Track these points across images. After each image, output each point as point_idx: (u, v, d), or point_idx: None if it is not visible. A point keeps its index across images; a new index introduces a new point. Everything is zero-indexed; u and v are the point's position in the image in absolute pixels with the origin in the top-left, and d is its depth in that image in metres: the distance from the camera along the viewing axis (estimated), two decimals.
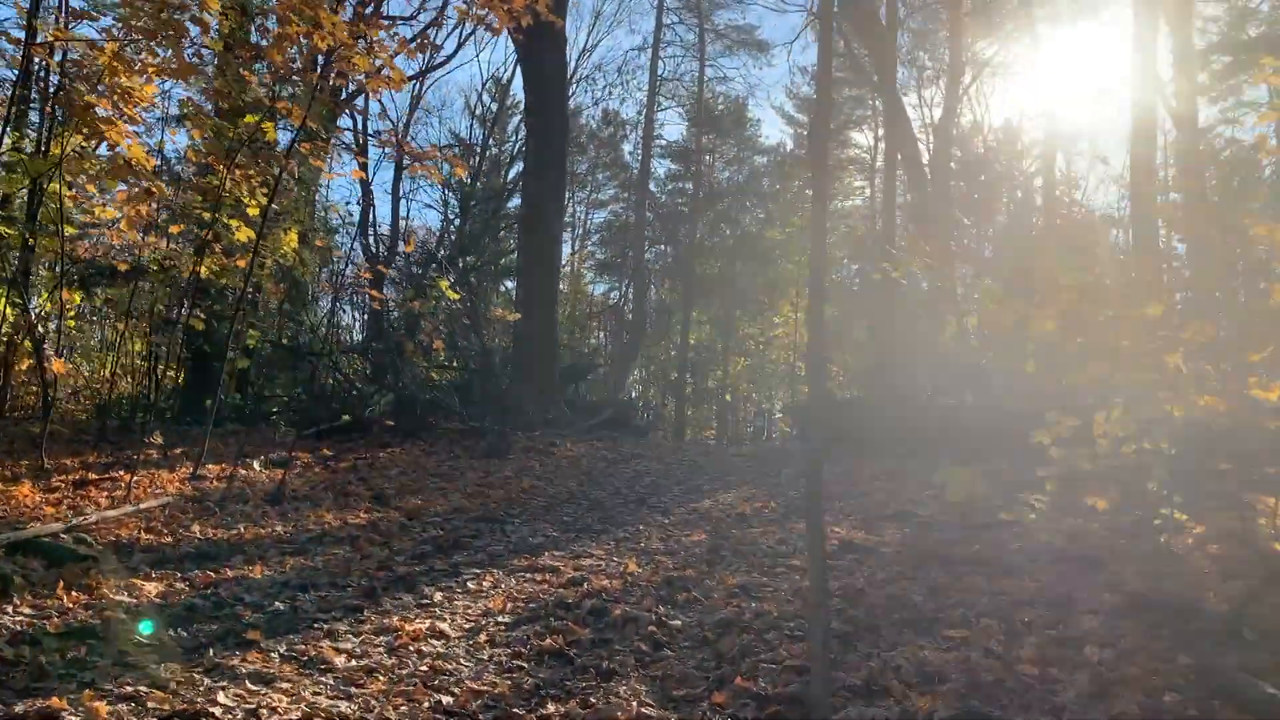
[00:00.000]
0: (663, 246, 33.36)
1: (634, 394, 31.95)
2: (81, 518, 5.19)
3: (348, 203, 26.35)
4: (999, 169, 29.53)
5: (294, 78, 7.99)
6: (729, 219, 33.71)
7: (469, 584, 4.72)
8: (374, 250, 26.20)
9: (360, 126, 26.03)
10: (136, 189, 7.22)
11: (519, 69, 21.29)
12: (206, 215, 8.54)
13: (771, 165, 36.25)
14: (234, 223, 8.99)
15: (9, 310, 10.43)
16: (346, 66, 6.57)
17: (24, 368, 14.17)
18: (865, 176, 36.68)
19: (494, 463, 9.57)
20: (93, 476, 6.78)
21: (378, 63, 6.76)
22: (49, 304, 13.41)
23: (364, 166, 26.38)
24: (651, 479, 9.52)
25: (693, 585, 4.73)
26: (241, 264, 9.16)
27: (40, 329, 10.51)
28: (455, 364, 13.04)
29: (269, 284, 12.67)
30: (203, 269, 8.81)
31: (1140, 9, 11.91)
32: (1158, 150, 15.18)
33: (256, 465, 7.83)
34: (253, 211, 8.71)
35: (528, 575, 4.95)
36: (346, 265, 25.09)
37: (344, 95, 24.55)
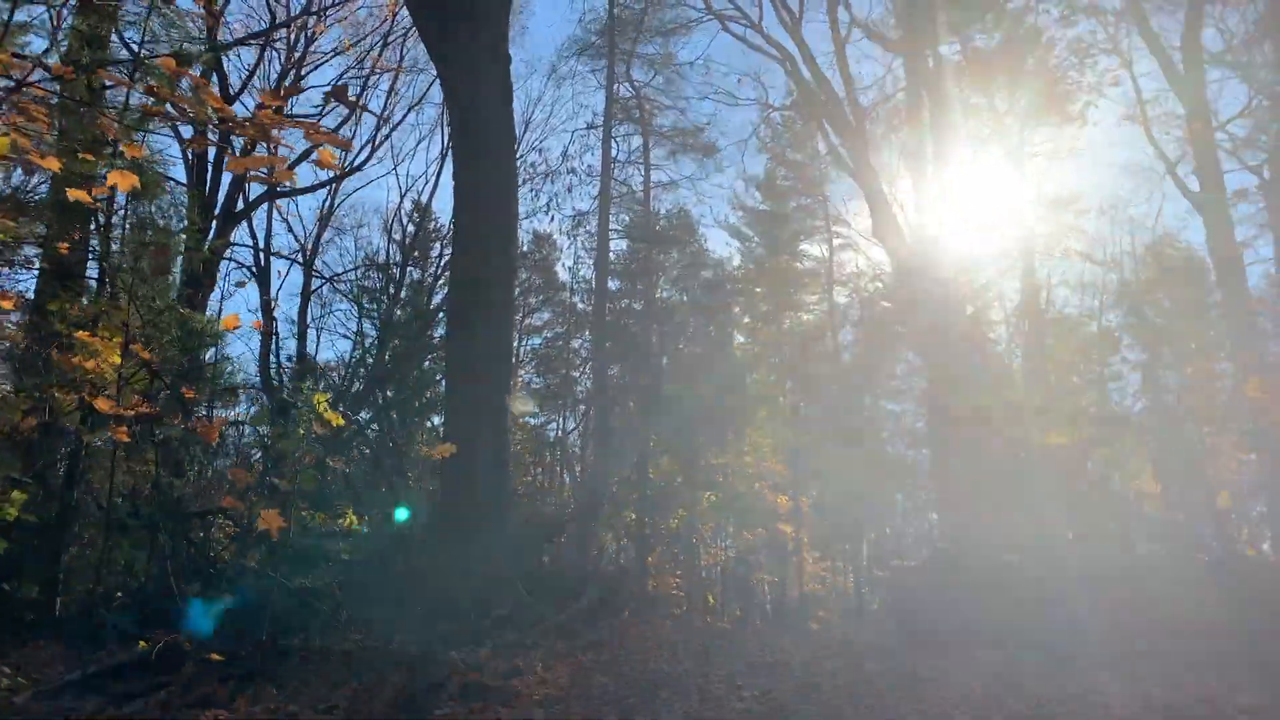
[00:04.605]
0: (612, 369, 29.31)
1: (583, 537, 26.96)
2: None
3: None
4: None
5: None
6: (682, 336, 30.11)
7: None
8: (278, 383, 21.47)
9: (262, 244, 21.90)
10: None
11: (444, 100, 17.67)
12: None
13: (719, 280, 33.01)
14: None
15: None
16: None
17: None
18: (822, 289, 33.84)
19: None
20: None
21: None
22: None
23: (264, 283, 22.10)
24: None
25: None
26: None
27: None
28: (349, 528, 8.38)
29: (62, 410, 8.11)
30: None
31: None
32: None
33: None
34: None
35: None
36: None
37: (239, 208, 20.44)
